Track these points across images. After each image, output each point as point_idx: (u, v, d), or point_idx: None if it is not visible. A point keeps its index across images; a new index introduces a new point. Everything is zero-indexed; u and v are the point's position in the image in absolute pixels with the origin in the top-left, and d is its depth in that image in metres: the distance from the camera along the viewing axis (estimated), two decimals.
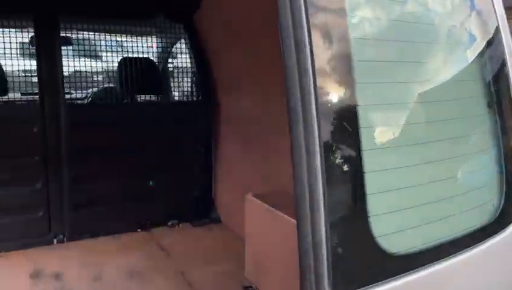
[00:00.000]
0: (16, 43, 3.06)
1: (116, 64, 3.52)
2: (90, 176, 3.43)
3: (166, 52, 3.87)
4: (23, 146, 3.18)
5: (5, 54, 3.05)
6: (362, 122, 0.93)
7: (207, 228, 3.82)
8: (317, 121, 0.89)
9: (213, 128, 3.84)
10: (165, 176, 3.71)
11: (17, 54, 3.08)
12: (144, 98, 3.68)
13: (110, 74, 3.53)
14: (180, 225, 3.83)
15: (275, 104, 2.92)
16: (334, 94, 0.91)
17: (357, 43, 0.93)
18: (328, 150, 0.91)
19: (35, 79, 3.32)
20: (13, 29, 3.01)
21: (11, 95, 3.22)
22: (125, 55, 3.52)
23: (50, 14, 3.10)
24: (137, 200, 3.65)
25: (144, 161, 3.59)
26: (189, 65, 3.67)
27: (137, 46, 3.46)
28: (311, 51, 0.86)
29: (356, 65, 0.92)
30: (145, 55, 3.57)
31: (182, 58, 3.63)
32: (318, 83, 0.88)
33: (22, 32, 3.05)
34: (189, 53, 3.63)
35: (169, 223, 3.79)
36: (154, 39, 3.85)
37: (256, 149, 3.27)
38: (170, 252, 3.33)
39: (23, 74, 3.15)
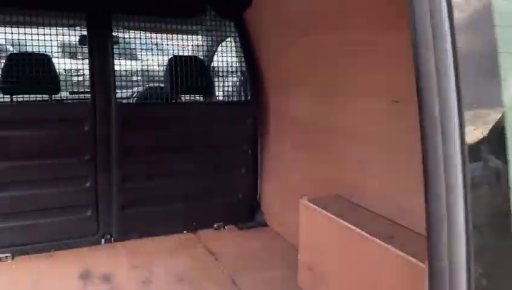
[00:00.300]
0: (69, 41, 3.05)
1: (165, 63, 3.46)
2: (138, 176, 3.39)
3: (215, 51, 3.80)
4: (74, 145, 3.17)
5: (57, 52, 3.04)
6: (509, 127, 0.79)
7: (253, 232, 3.72)
8: (460, 127, 0.75)
9: (261, 128, 3.74)
10: (211, 176, 3.64)
11: (69, 52, 3.06)
12: (191, 97, 3.61)
13: (159, 72, 3.48)
14: (225, 227, 3.75)
15: (330, 104, 2.79)
16: (478, 94, 0.78)
17: (502, 32, 0.78)
18: (471, 161, 0.77)
19: (80, 77, 3.31)
20: (66, 28, 2.99)
21: (63, 94, 3.21)
22: (174, 54, 3.46)
23: (103, 12, 3.08)
24: (183, 201, 3.59)
25: (191, 161, 3.53)
26: (237, 64, 3.57)
27: (187, 45, 3.40)
28: (454, 42, 0.73)
29: (502, 59, 0.78)
30: (194, 54, 3.50)
31: (231, 57, 3.54)
32: (460, 82, 0.75)
33: (74, 30, 3.04)
34: (238, 51, 3.54)
35: (215, 226, 3.72)
36: (204, 37, 3.77)
37: (307, 150, 3.14)
38: (218, 256, 3.25)
39: (75, 73, 3.13)
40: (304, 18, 2.81)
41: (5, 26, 2.96)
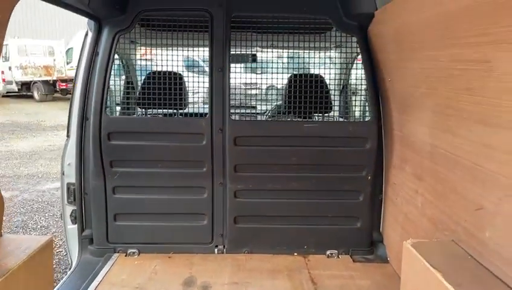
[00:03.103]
0: (194, 60, 3.27)
1: (284, 81, 3.43)
2: (250, 191, 3.42)
3: (337, 68, 3.60)
4: (194, 158, 3.38)
5: (182, 69, 3.30)
6: None
7: (369, 266, 3.36)
8: None
9: (386, 153, 3.36)
10: (326, 200, 3.43)
11: (193, 70, 3.29)
12: (309, 115, 3.47)
13: (277, 90, 3.46)
14: (339, 256, 3.49)
15: (450, 131, 2.32)
16: None
17: None
18: None
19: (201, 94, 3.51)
20: (191, 48, 3.22)
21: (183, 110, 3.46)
22: (294, 72, 3.40)
23: (223, 31, 3.21)
24: (296, 223, 3.48)
25: (306, 182, 3.39)
26: (359, 81, 3.29)
27: (307, 63, 3.29)
28: None
29: None
30: (314, 72, 3.36)
31: (353, 75, 3.28)
32: None
33: (198, 50, 3.25)
34: (360, 68, 3.26)
35: (328, 253, 3.49)
36: (326, 54, 3.61)
37: (427, 182, 2.68)
38: (319, 286, 3.03)
39: (197, 90, 3.34)
40: (420, 31, 2.41)
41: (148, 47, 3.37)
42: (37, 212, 6.71)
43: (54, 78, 22.94)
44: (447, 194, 2.40)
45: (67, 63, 23.10)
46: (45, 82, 22.97)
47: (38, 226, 6.17)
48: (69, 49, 23.16)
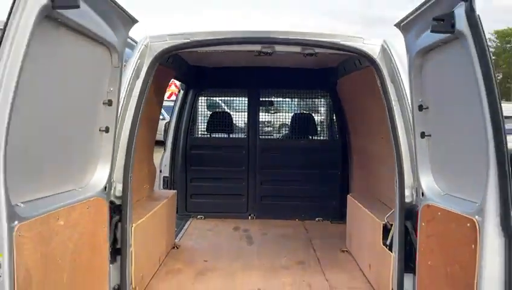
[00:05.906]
0: (237, 106, 5.86)
1: (290, 116, 5.99)
2: (270, 181, 5.88)
3: (320, 110, 6.16)
4: (237, 161, 5.88)
5: (229, 109, 5.88)
6: None
7: (340, 225, 5.66)
8: None
9: (349, 158, 5.80)
10: (315, 187, 5.85)
11: (238, 110, 5.89)
12: (303, 136, 5.95)
13: (286, 121, 6.04)
14: (323, 221, 5.85)
15: (373, 142, 4.76)
16: None
17: None
18: None
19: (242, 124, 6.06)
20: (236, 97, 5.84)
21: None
22: (296, 112, 5.98)
23: (255, 89, 5.80)
24: (297, 200, 5.89)
25: (303, 176, 5.82)
26: (332, 116, 5.84)
27: (303, 106, 5.86)
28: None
29: None
30: (306, 112, 5.93)
31: (329, 113, 5.84)
32: None
33: (240, 98, 5.88)
34: (332, 110, 5.81)
35: (316, 219, 5.86)
36: (313, 102, 6.19)
37: (366, 171, 5.08)
38: (309, 230, 5.43)
39: (239, 122, 5.93)
40: (360, 95, 4.93)
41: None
42: None
43: None
44: (372, 174, 4.80)
45: None
46: None
47: None
48: None
